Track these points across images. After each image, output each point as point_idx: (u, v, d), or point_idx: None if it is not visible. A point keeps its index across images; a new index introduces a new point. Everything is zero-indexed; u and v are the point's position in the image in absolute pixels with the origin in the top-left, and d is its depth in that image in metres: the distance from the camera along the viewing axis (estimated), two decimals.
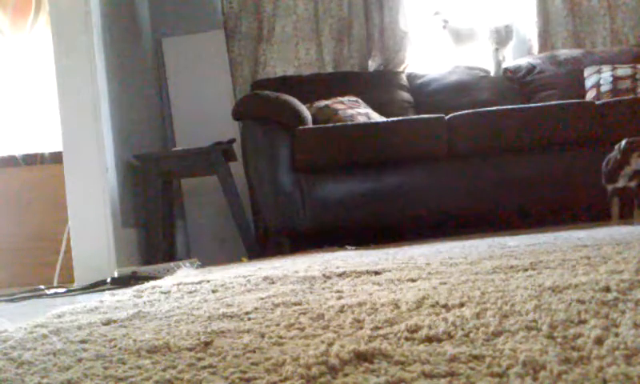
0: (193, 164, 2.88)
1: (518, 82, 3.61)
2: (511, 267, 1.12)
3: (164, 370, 0.60)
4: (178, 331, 0.79)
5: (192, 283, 1.36)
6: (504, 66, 3.73)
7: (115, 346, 0.73)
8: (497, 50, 3.71)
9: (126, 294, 1.33)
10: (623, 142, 2.22)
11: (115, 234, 2.50)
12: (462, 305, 0.77)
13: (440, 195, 2.70)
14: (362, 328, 0.71)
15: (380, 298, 0.89)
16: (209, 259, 3.16)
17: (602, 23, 3.79)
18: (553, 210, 2.77)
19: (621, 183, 2.15)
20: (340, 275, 1.26)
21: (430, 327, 0.65)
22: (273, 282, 1.26)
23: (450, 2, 3.94)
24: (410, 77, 3.68)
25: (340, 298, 0.96)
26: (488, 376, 0.48)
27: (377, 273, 1.26)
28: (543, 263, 1.13)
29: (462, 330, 0.64)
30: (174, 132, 3.63)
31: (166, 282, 1.47)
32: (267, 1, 3.77)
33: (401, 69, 3.76)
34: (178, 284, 1.37)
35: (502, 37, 3.71)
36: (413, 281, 1.08)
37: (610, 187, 2.19)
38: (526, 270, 1.07)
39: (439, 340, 0.62)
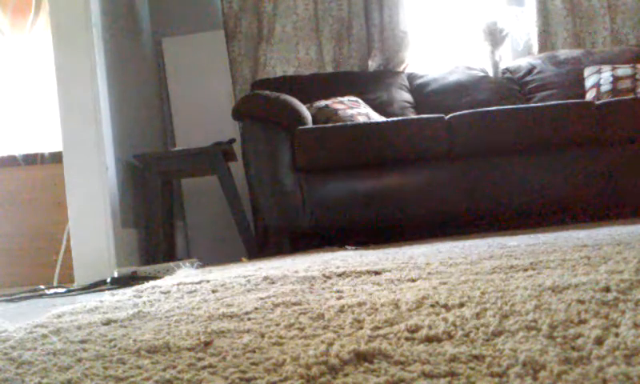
0: (193, 164, 2.88)
1: (517, 82, 3.61)
2: (511, 267, 1.12)
3: (164, 370, 0.60)
4: (178, 331, 0.79)
5: (192, 283, 1.36)
6: (502, 65, 3.73)
7: (115, 346, 0.73)
8: (492, 51, 3.71)
9: (125, 294, 1.33)
10: None
11: (115, 233, 2.50)
12: (462, 305, 0.77)
13: (440, 195, 2.70)
14: (361, 328, 0.71)
15: (380, 298, 0.89)
16: (209, 259, 3.17)
17: (602, 23, 3.79)
18: (553, 210, 2.78)
19: None
20: (340, 275, 1.26)
21: (430, 327, 0.65)
22: (273, 282, 1.26)
23: (447, 2, 3.95)
24: (410, 77, 3.68)
25: (340, 298, 0.96)
26: (488, 376, 0.48)
27: (377, 273, 1.26)
28: (543, 263, 1.13)
29: (462, 330, 0.64)
30: (174, 132, 3.63)
31: (166, 282, 1.47)
32: (267, 1, 3.77)
33: (401, 69, 3.76)
34: (178, 284, 1.37)
35: (496, 37, 3.71)
36: (413, 281, 1.08)
37: None
38: (526, 270, 1.07)
39: (439, 340, 0.62)
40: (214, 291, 1.22)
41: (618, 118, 2.71)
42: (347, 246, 2.50)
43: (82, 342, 0.78)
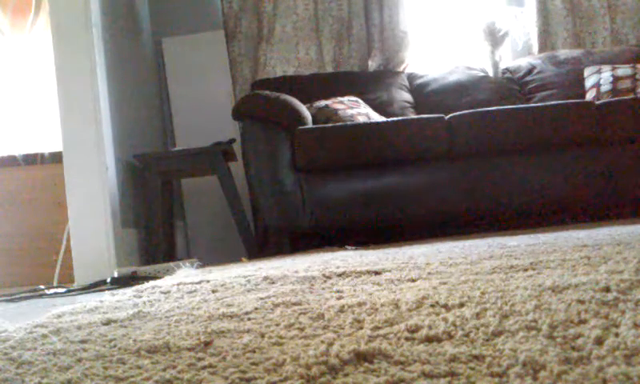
0: (193, 164, 2.88)
1: (517, 82, 3.61)
2: (511, 267, 1.12)
3: (164, 370, 0.60)
4: (178, 331, 0.79)
5: (192, 283, 1.36)
6: (502, 65, 3.73)
7: (115, 346, 0.73)
8: (492, 51, 3.71)
9: (125, 294, 1.33)
10: None
11: (115, 233, 2.50)
12: (462, 305, 0.77)
13: (440, 195, 2.70)
14: (361, 328, 0.71)
15: (380, 298, 0.89)
16: (209, 259, 3.17)
17: (602, 23, 3.79)
18: (553, 210, 2.78)
19: None
20: (340, 275, 1.26)
21: (430, 327, 0.65)
22: (273, 282, 1.26)
23: (447, 2, 3.95)
24: (410, 77, 3.68)
25: (340, 298, 0.96)
26: (488, 376, 0.48)
27: (377, 273, 1.26)
28: (543, 263, 1.13)
29: (462, 330, 0.64)
30: (174, 132, 3.63)
31: (166, 282, 1.47)
32: (267, 1, 3.77)
33: (401, 69, 3.76)
34: (178, 284, 1.37)
35: (496, 37, 3.71)
36: (413, 281, 1.08)
37: None
38: (526, 270, 1.07)
39: (439, 340, 0.62)
40: (214, 291, 1.22)
41: (618, 118, 2.71)
42: (347, 246, 2.50)
43: (82, 341, 0.78)
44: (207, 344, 0.70)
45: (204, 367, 0.60)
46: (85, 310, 1.09)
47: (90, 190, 2.48)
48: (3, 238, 3.05)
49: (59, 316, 1.03)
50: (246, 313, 0.89)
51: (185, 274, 1.75)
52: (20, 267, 3.01)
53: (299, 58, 3.77)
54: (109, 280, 2.06)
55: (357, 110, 3.09)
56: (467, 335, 0.62)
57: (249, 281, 1.31)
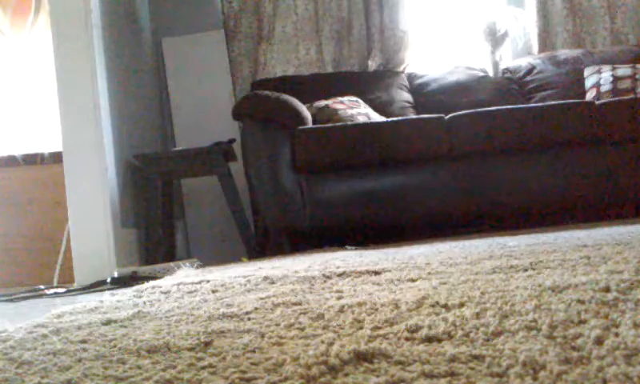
0: (193, 164, 2.88)
1: (517, 82, 3.61)
2: (511, 267, 1.12)
3: (164, 370, 0.60)
4: (178, 331, 0.79)
5: (192, 283, 1.36)
6: (502, 65, 3.73)
7: (115, 346, 0.73)
8: (492, 51, 3.71)
9: (125, 294, 1.33)
10: None
11: (115, 234, 2.50)
12: (462, 305, 0.77)
13: (440, 195, 2.70)
14: (362, 328, 0.71)
15: (380, 298, 0.89)
16: (209, 259, 3.17)
17: (602, 23, 3.79)
18: (553, 210, 2.77)
19: None
20: (340, 275, 1.26)
21: (429, 327, 0.65)
22: (273, 282, 1.26)
23: (447, 2, 3.95)
24: (410, 77, 3.68)
25: (340, 298, 0.96)
26: (488, 376, 0.48)
27: (377, 273, 1.26)
28: (543, 263, 1.13)
29: (462, 330, 0.64)
30: (174, 132, 3.63)
31: (166, 282, 1.47)
32: (267, 1, 3.77)
33: (401, 69, 3.76)
34: (178, 284, 1.37)
35: (496, 38, 3.71)
36: (413, 281, 1.08)
37: None
38: (526, 270, 1.07)
39: (439, 340, 0.62)
40: (213, 291, 1.21)
41: (618, 118, 2.71)
42: (347, 246, 2.50)
43: (82, 342, 0.78)
44: (207, 344, 0.70)
45: (204, 367, 0.60)
46: (85, 310, 1.09)
47: (90, 190, 2.48)
48: (3, 238, 3.05)
49: (59, 316, 1.03)
50: (246, 313, 0.89)
51: (185, 274, 1.75)
52: (20, 267, 3.01)
53: (299, 57, 3.78)
54: (109, 280, 2.06)
55: (357, 110, 3.09)
56: (467, 335, 0.62)
57: (249, 281, 1.31)
